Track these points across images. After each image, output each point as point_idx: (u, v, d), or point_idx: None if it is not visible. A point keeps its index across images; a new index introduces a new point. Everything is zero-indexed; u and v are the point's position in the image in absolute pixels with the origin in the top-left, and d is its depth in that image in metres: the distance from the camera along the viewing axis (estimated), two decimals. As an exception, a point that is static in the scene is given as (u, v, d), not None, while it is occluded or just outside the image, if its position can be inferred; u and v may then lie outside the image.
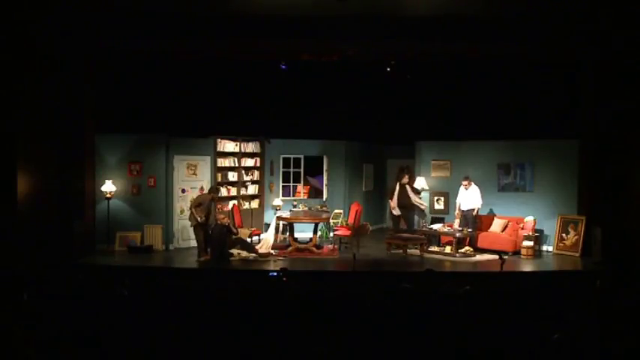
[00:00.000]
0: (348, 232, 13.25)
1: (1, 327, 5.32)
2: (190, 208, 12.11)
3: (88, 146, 12.47)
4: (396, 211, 14.02)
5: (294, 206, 14.72)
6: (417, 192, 14.03)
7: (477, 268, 11.46)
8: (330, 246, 13.27)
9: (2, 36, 10.08)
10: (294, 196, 15.42)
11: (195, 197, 12.49)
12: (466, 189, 12.96)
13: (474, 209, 12.81)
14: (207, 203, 11.89)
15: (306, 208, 14.48)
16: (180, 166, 13.32)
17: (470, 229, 12.60)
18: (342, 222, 14.33)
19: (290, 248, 12.58)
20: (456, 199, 13.27)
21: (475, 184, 13.02)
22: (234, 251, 12.05)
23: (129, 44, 12.03)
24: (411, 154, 14.92)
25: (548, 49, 12.02)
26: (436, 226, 13.15)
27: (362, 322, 5.67)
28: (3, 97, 10.22)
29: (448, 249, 12.52)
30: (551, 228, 12.81)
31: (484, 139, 13.79)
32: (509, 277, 10.32)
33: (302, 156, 15.47)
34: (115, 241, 12.68)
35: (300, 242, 12.94)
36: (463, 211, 12.95)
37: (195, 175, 13.47)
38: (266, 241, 12.66)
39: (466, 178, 13.02)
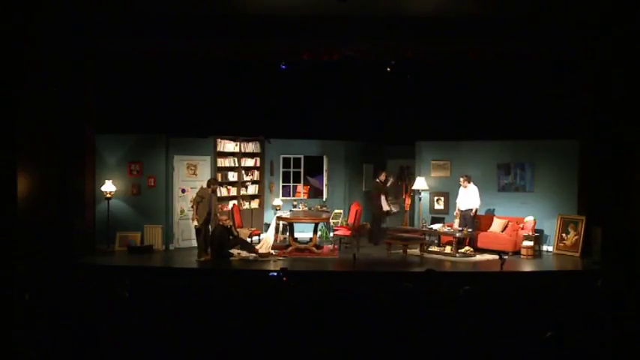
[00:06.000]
0: (348, 232, 13.25)
1: (1, 327, 5.32)
2: (192, 206, 12.11)
3: (88, 146, 12.48)
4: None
5: (294, 206, 14.73)
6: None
7: (476, 268, 11.46)
8: (330, 246, 13.27)
9: (2, 36, 10.08)
10: (294, 196, 15.42)
11: (196, 193, 12.40)
12: (464, 187, 12.94)
13: (471, 209, 12.80)
14: (208, 197, 11.88)
15: (306, 208, 14.49)
16: (180, 166, 13.32)
17: (470, 229, 12.59)
18: (342, 222, 14.33)
19: (290, 248, 12.58)
20: (456, 199, 13.25)
21: (474, 183, 13.00)
22: (234, 251, 12.05)
23: (129, 44, 12.04)
24: (411, 154, 14.92)
25: (548, 48, 12.02)
26: (436, 226, 13.15)
27: (362, 322, 5.67)
28: (3, 97, 10.22)
29: (448, 249, 12.51)
30: (551, 228, 12.81)
31: (484, 139, 13.79)
32: (509, 277, 10.33)
33: (302, 156, 15.47)
34: (115, 241, 12.68)
35: (300, 242, 12.94)
36: (462, 211, 12.94)
37: (195, 175, 13.46)
38: (266, 241, 12.66)
39: (463, 177, 12.98)
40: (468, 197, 12.85)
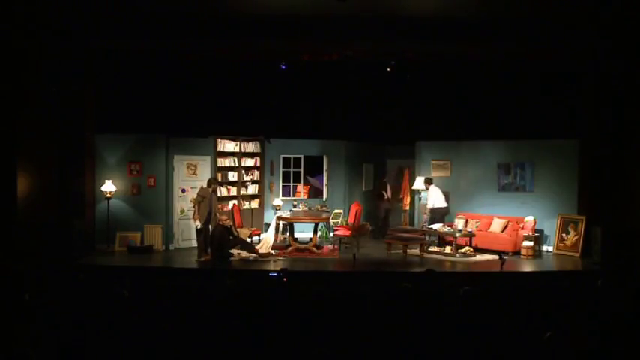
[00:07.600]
0: (348, 232, 13.25)
1: (1, 327, 5.32)
2: (194, 206, 12.10)
3: (88, 146, 12.48)
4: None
5: (294, 206, 14.72)
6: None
7: (476, 268, 11.46)
8: (330, 246, 13.27)
9: (2, 36, 10.08)
10: (294, 196, 15.41)
11: (197, 193, 12.37)
12: (426, 190, 13.64)
13: (434, 207, 13.43)
14: (208, 197, 11.88)
15: (306, 208, 14.48)
16: (180, 166, 13.32)
17: (431, 227, 13.06)
18: (342, 222, 14.33)
19: (290, 248, 12.58)
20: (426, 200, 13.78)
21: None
22: (234, 251, 12.05)
23: (129, 44, 12.03)
24: (411, 154, 14.92)
25: (548, 49, 12.02)
26: (436, 226, 13.15)
27: (362, 322, 5.67)
28: (3, 97, 10.22)
29: (448, 249, 12.52)
30: (551, 228, 12.81)
31: (484, 139, 13.80)
32: (509, 277, 10.33)
33: (302, 156, 15.46)
34: (115, 241, 12.68)
35: (300, 242, 12.94)
36: (430, 209, 13.54)
37: (195, 175, 13.46)
38: (266, 241, 12.65)
39: (425, 181, 13.72)
40: (430, 197, 13.52)
